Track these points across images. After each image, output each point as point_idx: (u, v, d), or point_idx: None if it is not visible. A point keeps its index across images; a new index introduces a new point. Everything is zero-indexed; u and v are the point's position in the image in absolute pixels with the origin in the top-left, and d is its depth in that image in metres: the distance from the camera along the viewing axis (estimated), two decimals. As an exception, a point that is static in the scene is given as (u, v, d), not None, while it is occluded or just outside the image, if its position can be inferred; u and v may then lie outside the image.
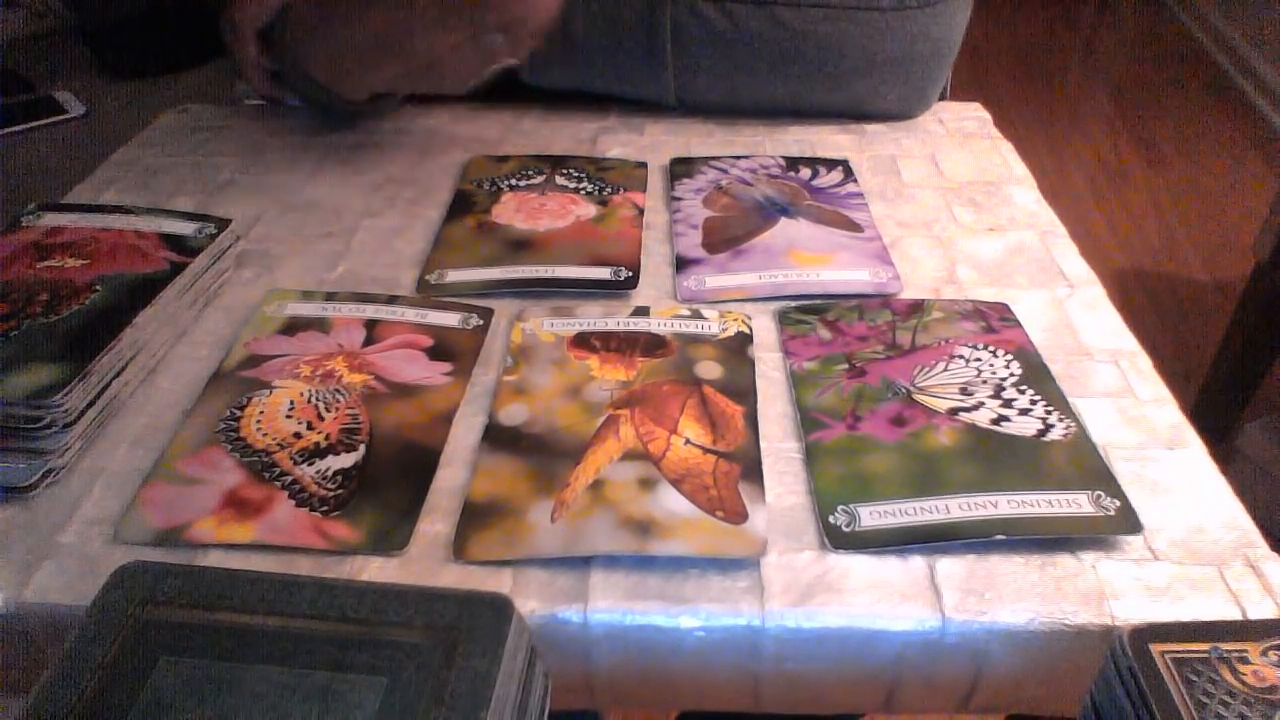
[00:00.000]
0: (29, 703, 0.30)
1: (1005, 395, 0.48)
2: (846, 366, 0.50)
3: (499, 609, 0.33)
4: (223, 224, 0.58)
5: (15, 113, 0.96)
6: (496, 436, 0.46)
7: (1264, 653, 0.34)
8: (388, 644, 0.32)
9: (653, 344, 0.52)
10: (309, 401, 0.47)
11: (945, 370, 0.50)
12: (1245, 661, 0.33)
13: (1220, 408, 1.45)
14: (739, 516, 0.41)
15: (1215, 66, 2.41)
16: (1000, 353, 0.51)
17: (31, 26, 1.14)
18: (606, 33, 0.71)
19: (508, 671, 0.32)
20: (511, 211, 0.64)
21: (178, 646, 0.32)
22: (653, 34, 0.71)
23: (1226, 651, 0.34)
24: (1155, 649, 0.34)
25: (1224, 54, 2.43)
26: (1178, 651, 0.34)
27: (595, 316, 0.54)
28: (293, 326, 0.52)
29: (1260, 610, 0.38)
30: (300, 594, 0.33)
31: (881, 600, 0.38)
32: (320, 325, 0.53)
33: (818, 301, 0.56)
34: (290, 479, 0.42)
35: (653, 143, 0.74)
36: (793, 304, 0.56)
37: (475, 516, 0.41)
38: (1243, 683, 0.33)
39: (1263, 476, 1.31)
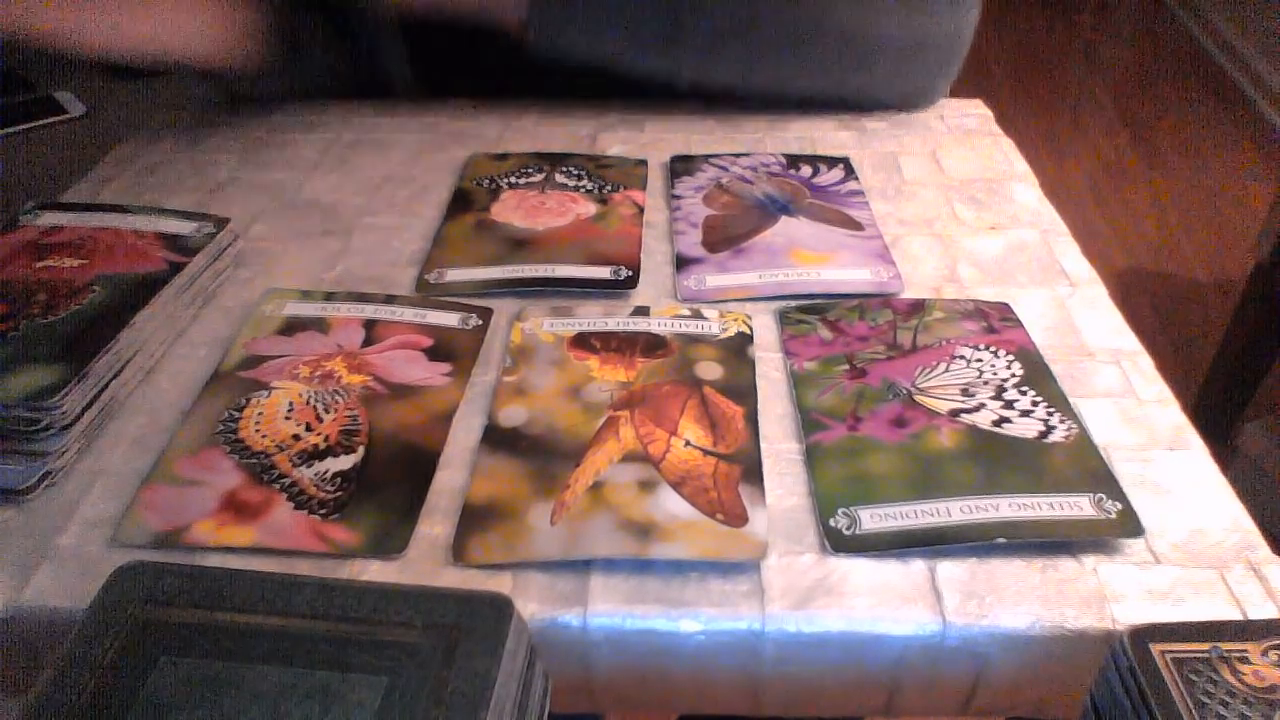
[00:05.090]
0: (29, 702, 0.30)
1: (1007, 396, 0.48)
2: (847, 367, 0.50)
3: (499, 608, 0.33)
4: (221, 223, 0.57)
5: (15, 113, 0.96)
6: (496, 438, 0.45)
7: (1264, 653, 0.34)
8: (388, 644, 0.32)
9: (653, 344, 0.51)
10: (308, 403, 0.47)
11: (946, 371, 0.49)
12: (1245, 661, 0.33)
13: (1220, 408, 1.45)
14: (739, 519, 0.41)
15: (1215, 66, 2.40)
16: (1001, 353, 0.51)
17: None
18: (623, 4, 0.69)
19: (508, 671, 0.32)
20: (511, 210, 0.64)
21: (178, 646, 0.32)
22: (673, 10, 0.69)
23: (1227, 651, 0.34)
24: (1155, 649, 0.34)
25: (1224, 54, 2.43)
26: (1178, 651, 0.34)
27: (595, 316, 0.54)
28: (291, 326, 0.52)
29: (1262, 614, 0.38)
30: (300, 594, 0.33)
31: (882, 604, 0.38)
32: (319, 325, 0.52)
33: (818, 301, 0.56)
34: (289, 481, 0.42)
35: (653, 140, 0.74)
36: (793, 303, 0.55)
37: (474, 519, 0.41)
38: (1243, 683, 0.33)
39: (1262, 476, 1.31)
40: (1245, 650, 0.34)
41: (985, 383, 0.49)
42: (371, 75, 0.77)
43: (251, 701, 0.30)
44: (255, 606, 0.33)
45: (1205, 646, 0.34)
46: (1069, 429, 0.46)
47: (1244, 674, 0.33)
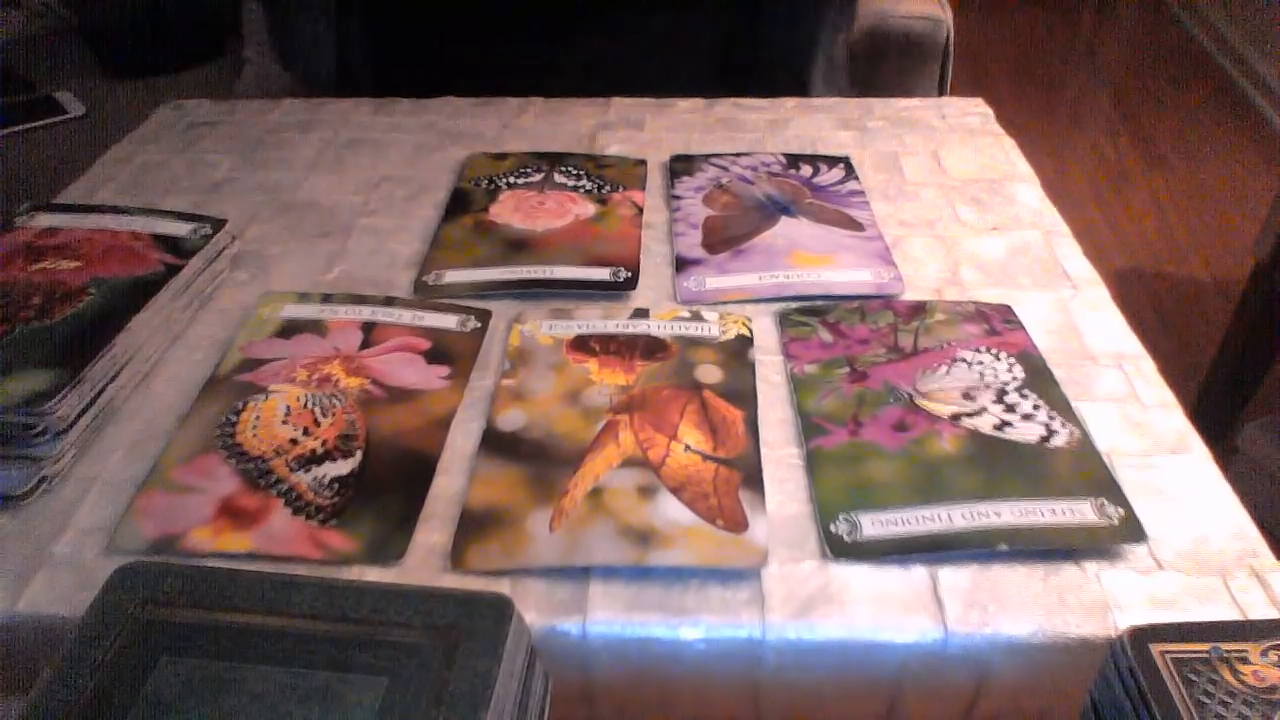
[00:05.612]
0: (29, 701, 0.30)
1: (1008, 400, 0.47)
2: (848, 370, 0.50)
3: (499, 609, 0.33)
4: (218, 225, 0.57)
5: (15, 113, 0.96)
6: (494, 443, 0.45)
7: (1264, 653, 0.34)
8: (388, 644, 0.32)
9: (652, 347, 0.51)
10: (305, 406, 0.46)
11: (948, 374, 0.49)
12: (1245, 661, 0.33)
13: (1220, 408, 1.44)
14: (739, 526, 0.41)
15: (1216, 67, 2.40)
16: (1003, 356, 0.50)
17: (31, 26, 1.14)
18: None
19: (508, 671, 0.32)
20: (510, 210, 0.64)
21: (178, 646, 0.32)
22: None
23: (1226, 651, 0.34)
24: (1155, 649, 0.34)
25: (1225, 55, 2.43)
26: (1178, 651, 0.34)
27: (594, 319, 0.53)
28: (289, 329, 0.52)
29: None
30: (300, 594, 0.33)
31: (883, 612, 0.38)
32: (316, 328, 0.52)
33: (819, 303, 0.55)
34: (286, 486, 0.42)
35: (653, 139, 0.73)
36: (794, 305, 0.55)
37: (473, 525, 0.41)
38: (1242, 683, 0.33)
39: (1262, 476, 1.31)
40: (1245, 650, 0.34)
41: (987, 386, 0.48)
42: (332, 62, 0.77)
43: (251, 701, 0.30)
44: (255, 607, 0.33)
45: (1205, 647, 0.34)
46: (1071, 433, 0.45)
47: (1244, 674, 0.33)
